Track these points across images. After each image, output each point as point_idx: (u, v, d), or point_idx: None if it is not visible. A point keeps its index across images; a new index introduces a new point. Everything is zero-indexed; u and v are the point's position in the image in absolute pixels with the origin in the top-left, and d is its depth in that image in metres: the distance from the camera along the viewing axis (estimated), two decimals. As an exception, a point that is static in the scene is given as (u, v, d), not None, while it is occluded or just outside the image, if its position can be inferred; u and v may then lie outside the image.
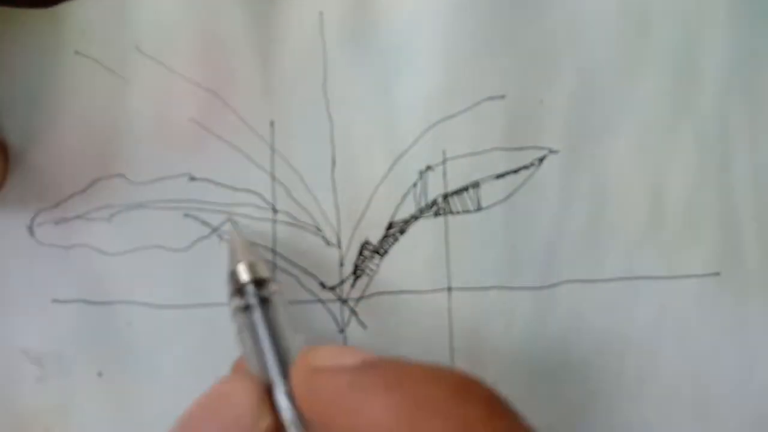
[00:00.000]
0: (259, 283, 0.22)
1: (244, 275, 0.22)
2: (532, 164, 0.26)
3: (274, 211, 0.26)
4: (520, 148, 0.26)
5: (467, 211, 0.26)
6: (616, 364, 0.26)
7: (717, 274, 0.26)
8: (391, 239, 0.26)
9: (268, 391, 0.19)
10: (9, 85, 0.25)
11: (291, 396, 0.19)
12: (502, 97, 0.26)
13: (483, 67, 0.26)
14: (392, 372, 0.16)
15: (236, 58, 0.26)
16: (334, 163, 0.26)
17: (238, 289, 0.22)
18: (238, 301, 0.22)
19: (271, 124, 0.26)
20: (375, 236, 0.26)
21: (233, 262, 0.23)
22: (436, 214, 0.26)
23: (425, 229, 0.26)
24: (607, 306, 0.26)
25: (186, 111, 0.26)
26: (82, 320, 0.25)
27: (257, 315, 0.21)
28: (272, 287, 0.22)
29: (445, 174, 0.26)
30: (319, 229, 0.26)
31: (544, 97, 0.26)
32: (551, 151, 0.26)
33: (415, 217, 0.26)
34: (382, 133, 0.26)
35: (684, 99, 0.26)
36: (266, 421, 0.17)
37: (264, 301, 0.21)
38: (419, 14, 0.26)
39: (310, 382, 0.18)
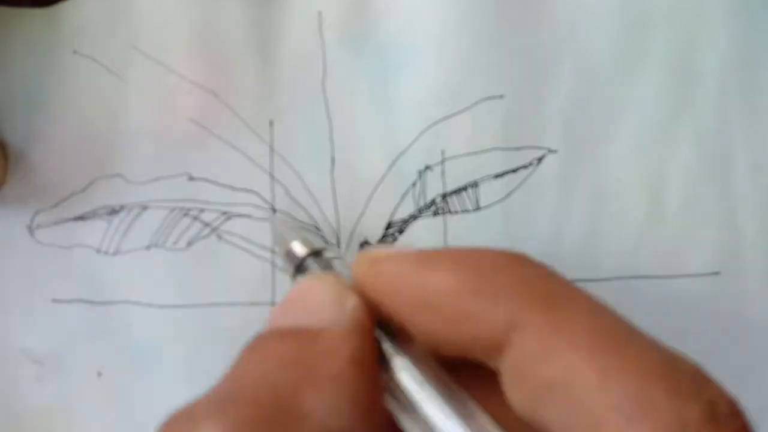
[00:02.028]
0: (316, 254, 0.21)
1: (299, 250, 0.22)
2: (530, 164, 0.26)
3: (273, 210, 0.26)
4: (519, 148, 0.26)
5: (466, 211, 0.26)
6: (616, 364, 0.26)
7: (717, 273, 0.26)
8: (389, 239, 0.26)
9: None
10: (7, 85, 0.25)
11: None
12: (501, 96, 0.26)
13: (481, 66, 0.26)
14: (452, 251, 0.17)
15: (235, 57, 0.26)
16: (333, 162, 0.26)
17: (298, 266, 0.21)
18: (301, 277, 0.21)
19: (270, 123, 0.26)
20: (374, 236, 0.26)
21: (285, 243, 0.22)
22: (435, 213, 0.26)
23: (424, 229, 0.26)
24: (606, 306, 0.26)
25: (185, 110, 0.26)
26: (81, 320, 0.25)
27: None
28: (329, 254, 0.22)
29: (443, 173, 0.26)
30: (318, 229, 0.26)
31: (543, 96, 0.26)
32: (550, 151, 0.26)
33: (414, 217, 0.26)
34: (381, 132, 0.26)
35: (683, 99, 0.26)
36: (352, 301, 0.17)
37: (327, 268, 0.21)
38: (418, 14, 0.26)
39: (372, 269, 0.18)
